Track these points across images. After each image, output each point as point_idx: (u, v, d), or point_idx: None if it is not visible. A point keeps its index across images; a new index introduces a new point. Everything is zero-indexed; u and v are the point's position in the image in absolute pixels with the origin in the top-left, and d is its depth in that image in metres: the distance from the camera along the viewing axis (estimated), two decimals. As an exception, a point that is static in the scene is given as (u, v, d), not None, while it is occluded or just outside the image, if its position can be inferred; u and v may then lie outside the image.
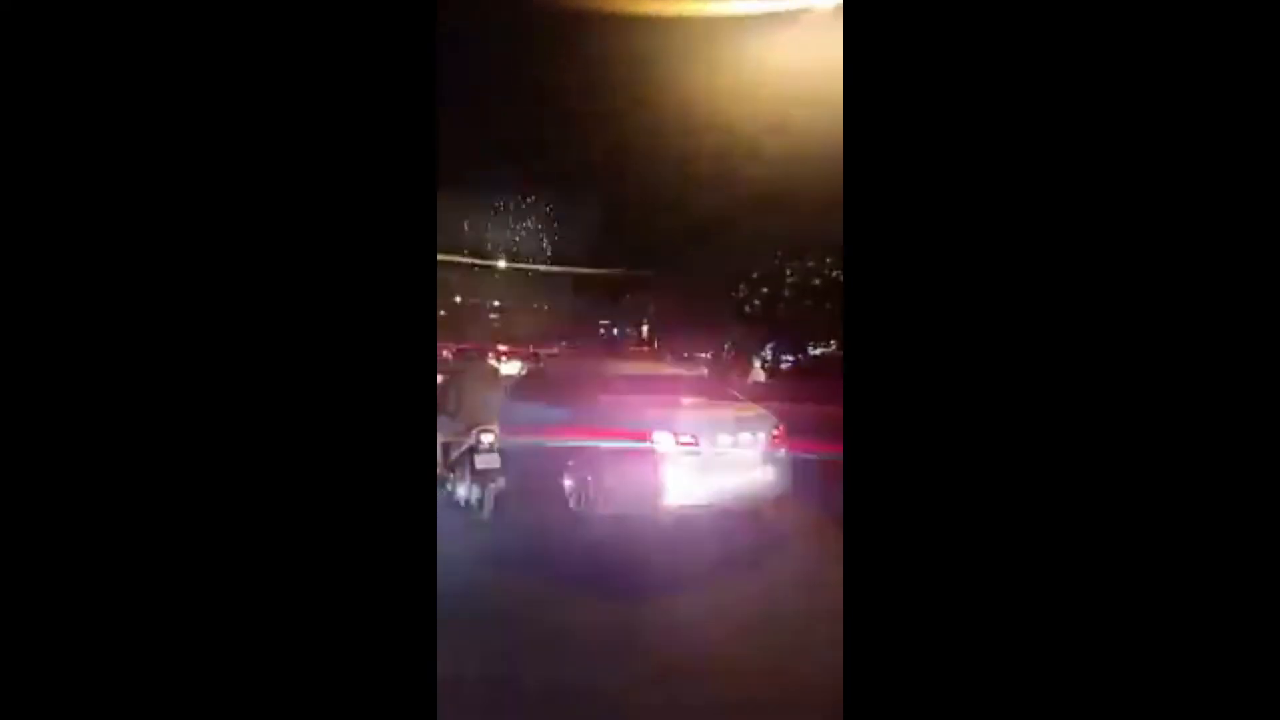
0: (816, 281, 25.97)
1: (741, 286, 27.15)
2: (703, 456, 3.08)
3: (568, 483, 3.40)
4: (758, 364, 11.95)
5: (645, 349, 18.30)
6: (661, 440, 3.05)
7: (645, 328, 24.68)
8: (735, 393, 4.18)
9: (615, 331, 23.60)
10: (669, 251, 25.48)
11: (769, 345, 21.47)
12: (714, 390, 4.12)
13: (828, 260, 25.97)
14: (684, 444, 3.05)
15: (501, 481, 3.16)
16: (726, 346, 16.40)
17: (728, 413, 3.45)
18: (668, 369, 5.18)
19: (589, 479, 3.29)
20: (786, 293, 26.55)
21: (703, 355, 17.04)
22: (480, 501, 3.13)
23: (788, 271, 26.81)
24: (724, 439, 3.17)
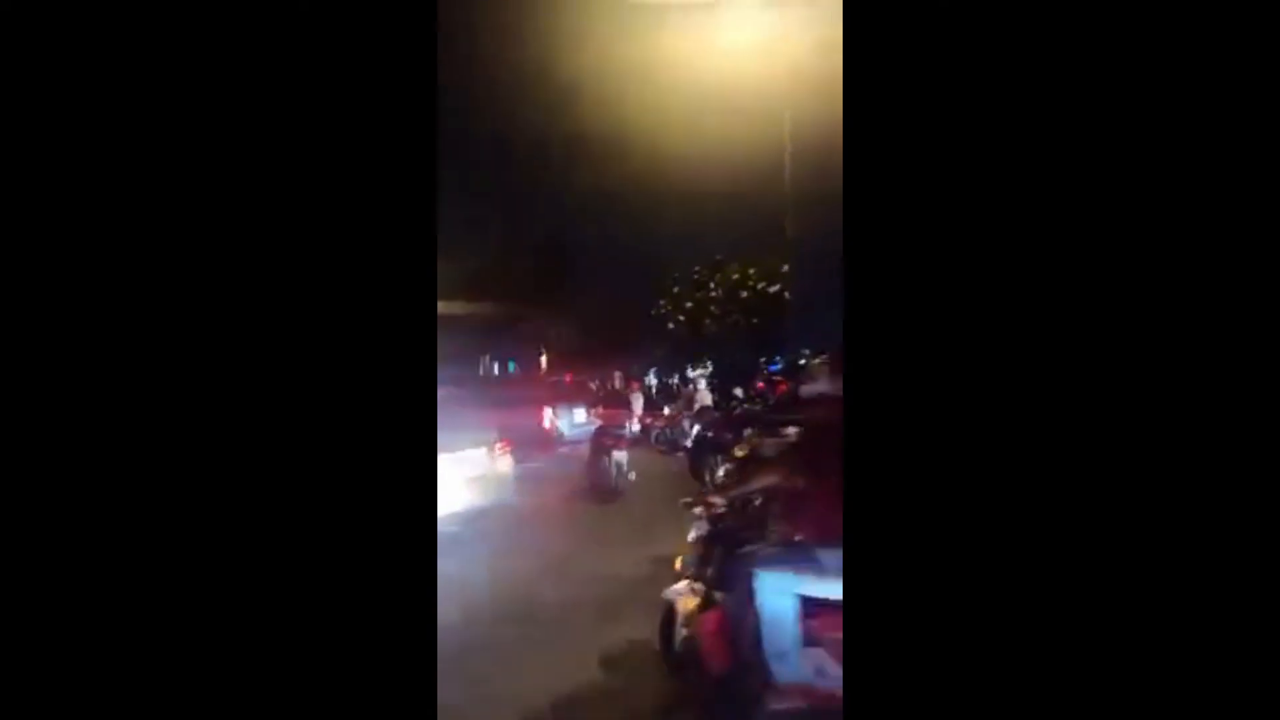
0: (744, 293, 22.15)
1: (661, 302, 22.96)
2: None
3: None
4: (704, 387, 10.26)
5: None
6: None
7: (544, 358, 19.65)
8: None
9: (507, 367, 18.45)
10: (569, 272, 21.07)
11: (703, 366, 17.58)
12: None
13: (751, 270, 22.16)
14: None
15: None
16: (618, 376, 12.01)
17: None
18: None
19: None
20: (714, 308, 22.48)
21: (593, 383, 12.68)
22: None
23: (710, 284, 22.74)
24: None
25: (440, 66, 1.06)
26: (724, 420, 8.06)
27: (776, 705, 1.86)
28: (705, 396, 9.76)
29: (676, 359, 21.68)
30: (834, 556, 1.78)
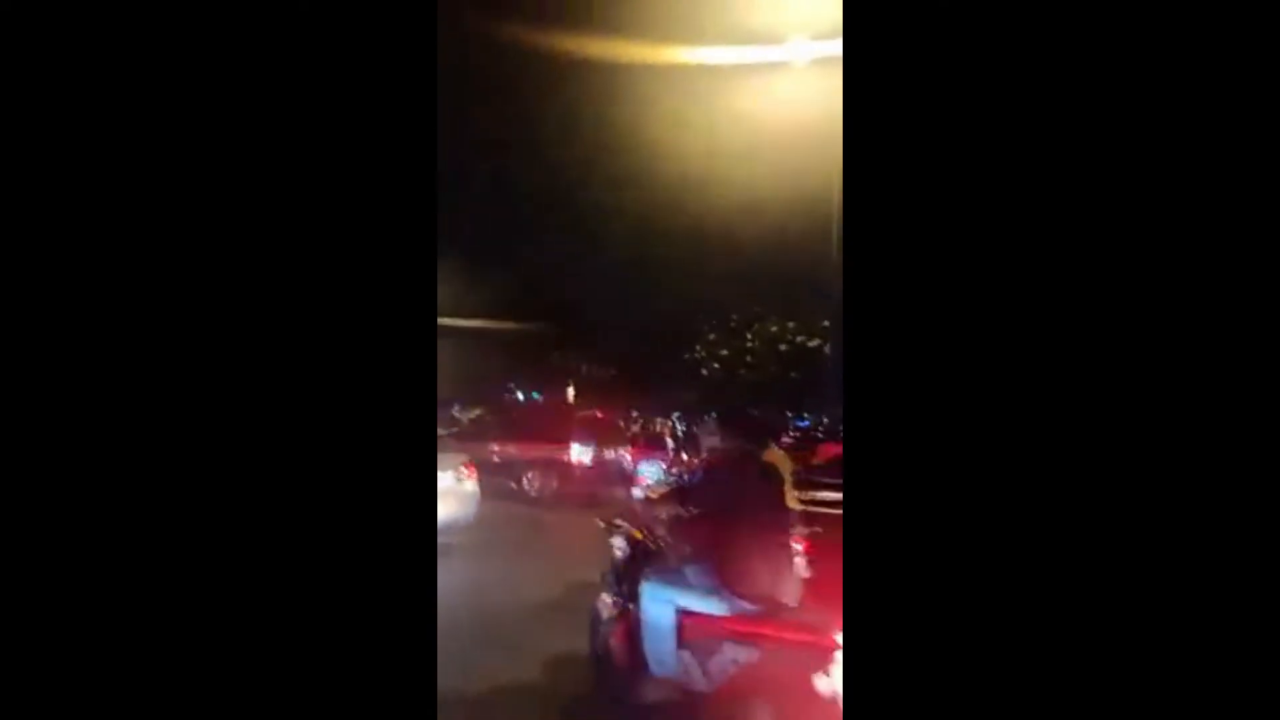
0: (783, 346, 21.86)
1: (698, 347, 22.76)
2: None
3: None
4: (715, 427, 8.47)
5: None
6: None
7: (571, 390, 19.58)
8: None
9: (533, 395, 18.42)
10: (610, 301, 21.10)
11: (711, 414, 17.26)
12: None
13: (790, 325, 21.95)
14: None
15: None
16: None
17: None
18: None
19: None
20: (749, 358, 22.17)
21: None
22: None
23: (748, 334, 22.51)
24: None
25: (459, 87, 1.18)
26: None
27: (654, 697, 2.28)
28: (715, 440, 9.48)
29: (706, 406, 21.36)
30: (703, 575, 2.20)
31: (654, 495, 2.88)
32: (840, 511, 4.14)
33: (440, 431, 4.52)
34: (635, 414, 14.10)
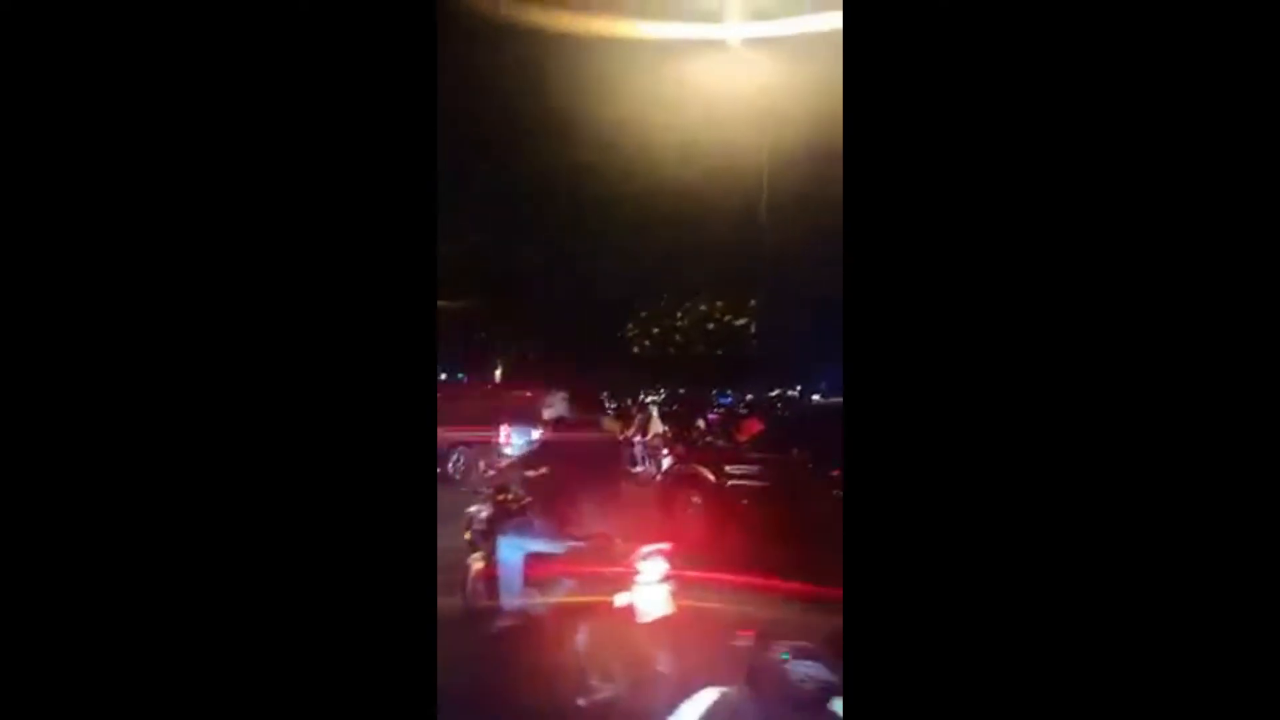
0: (710, 325, 22.20)
1: (629, 325, 22.75)
2: None
3: None
4: (656, 414, 10.36)
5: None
6: None
7: (498, 372, 19.13)
8: None
9: (459, 376, 17.83)
10: (536, 279, 20.64)
11: (656, 393, 17.59)
12: None
13: (719, 304, 22.27)
14: None
15: None
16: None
17: None
18: None
19: None
20: (678, 337, 22.41)
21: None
22: None
23: (678, 313, 22.73)
24: None
25: (441, 79, 1.06)
26: (687, 452, 7.77)
27: (503, 623, 2.86)
28: (657, 424, 9.77)
29: (635, 384, 21.43)
30: (546, 523, 2.73)
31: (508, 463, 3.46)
32: (761, 484, 4.47)
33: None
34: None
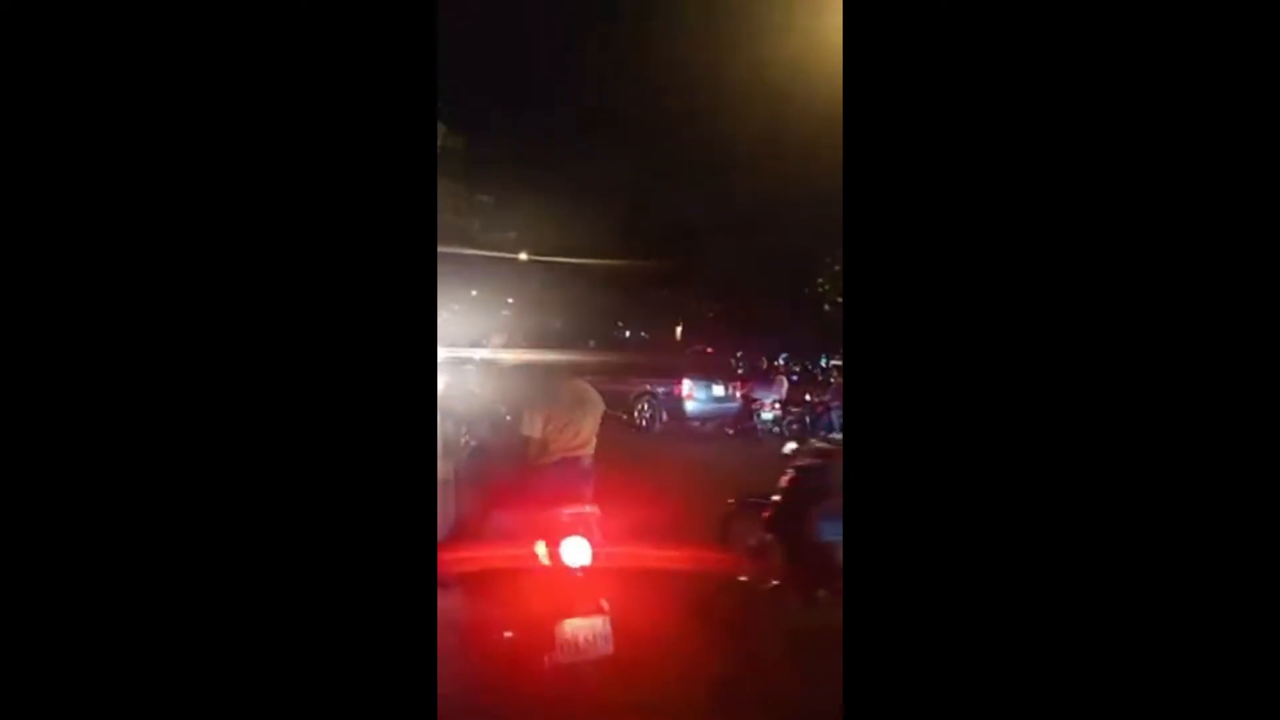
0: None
1: (820, 280, 21.31)
2: None
3: None
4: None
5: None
6: None
7: (679, 330, 19.20)
8: None
9: (641, 334, 18.25)
10: (710, 238, 20.08)
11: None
12: None
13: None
14: None
15: None
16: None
17: None
18: None
19: None
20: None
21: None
22: None
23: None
24: None
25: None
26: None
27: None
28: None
29: (825, 345, 20.00)
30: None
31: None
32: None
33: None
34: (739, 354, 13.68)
